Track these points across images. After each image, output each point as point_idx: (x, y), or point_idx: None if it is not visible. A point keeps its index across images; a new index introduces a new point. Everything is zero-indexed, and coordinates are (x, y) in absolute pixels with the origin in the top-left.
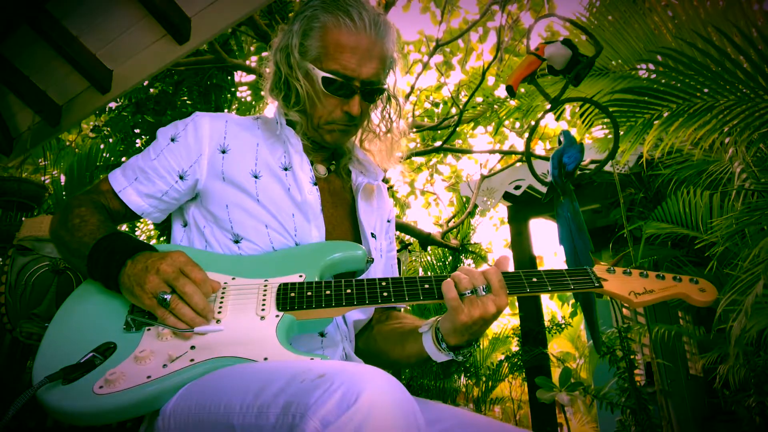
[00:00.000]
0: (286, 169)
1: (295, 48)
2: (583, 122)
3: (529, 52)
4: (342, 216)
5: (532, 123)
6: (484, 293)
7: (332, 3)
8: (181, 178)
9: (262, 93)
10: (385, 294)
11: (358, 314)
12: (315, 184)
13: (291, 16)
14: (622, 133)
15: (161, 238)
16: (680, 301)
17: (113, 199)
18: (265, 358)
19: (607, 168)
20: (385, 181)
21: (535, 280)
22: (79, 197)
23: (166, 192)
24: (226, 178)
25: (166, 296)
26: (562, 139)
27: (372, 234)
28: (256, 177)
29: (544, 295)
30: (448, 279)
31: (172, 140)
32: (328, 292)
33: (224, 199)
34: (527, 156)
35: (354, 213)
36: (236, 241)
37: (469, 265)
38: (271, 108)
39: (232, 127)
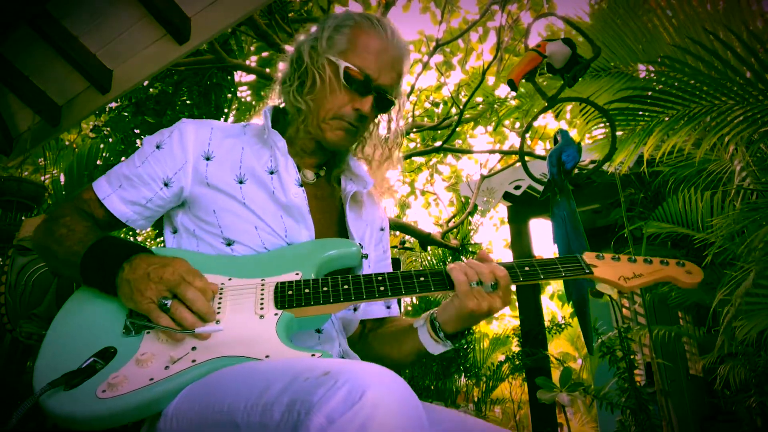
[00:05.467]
0: (272, 173)
1: (324, 39)
2: (584, 121)
3: (532, 48)
4: (329, 223)
5: (529, 121)
6: (491, 290)
7: (366, 14)
8: (165, 185)
9: (263, 93)
10: (382, 288)
11: (345, 312)
12: (301, 185)
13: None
14: (621, 133)
15: (158, 239)
16: (680, 301)
17: (97, 208)
18: (267, 356)
19: (606, 167)
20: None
21: (527, 269)
22: (62, 207)
23: (151, 199)
24: (210, 183)
25: (166, 302)
26: (558, 138)
27: (359, 244)
28: (241, 182)
29: (538, 283)
30: (455, 266)
31: (158, 147)
32: (325, 288)
33: (211, 205)
34: (521, 155)
35: (342, 222)
36: (228, 244)
37: None
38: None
39: (217, 134)
